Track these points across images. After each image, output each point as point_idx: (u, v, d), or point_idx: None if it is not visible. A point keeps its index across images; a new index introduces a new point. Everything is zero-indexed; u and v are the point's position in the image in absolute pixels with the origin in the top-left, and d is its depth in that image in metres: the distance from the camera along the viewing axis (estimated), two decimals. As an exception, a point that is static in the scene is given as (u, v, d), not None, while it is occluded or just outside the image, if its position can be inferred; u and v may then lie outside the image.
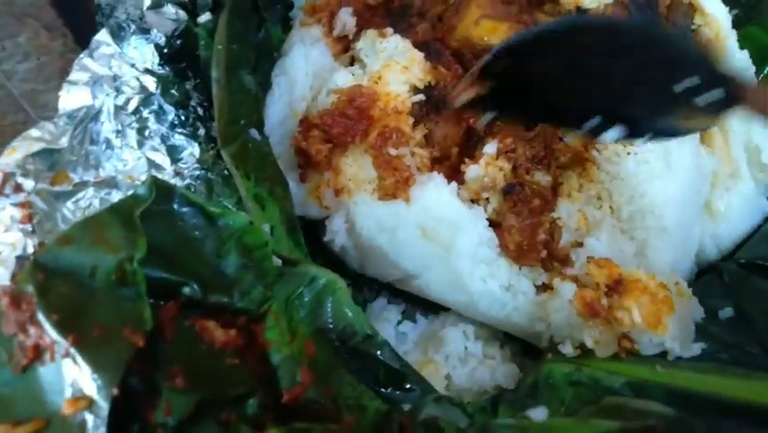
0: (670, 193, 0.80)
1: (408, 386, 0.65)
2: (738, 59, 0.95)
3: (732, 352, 0.66)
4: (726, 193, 0.89)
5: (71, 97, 0.58)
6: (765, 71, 1.02)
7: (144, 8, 0.76)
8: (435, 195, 0.78)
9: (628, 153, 0.82)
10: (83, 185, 0.57)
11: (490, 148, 0.80)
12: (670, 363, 0.65)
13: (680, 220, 0.81)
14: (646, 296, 0.65)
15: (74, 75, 0.59)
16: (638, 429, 0.41)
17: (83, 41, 1.55)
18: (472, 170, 0.79)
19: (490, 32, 0.92)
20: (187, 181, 0.63)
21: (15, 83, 1.66)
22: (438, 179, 0.79)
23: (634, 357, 0.66)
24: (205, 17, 0.77)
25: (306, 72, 0.90)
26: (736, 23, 1.03)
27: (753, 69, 0.96)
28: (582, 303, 0.66)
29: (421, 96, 0.85)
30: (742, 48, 0.99)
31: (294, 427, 0.49)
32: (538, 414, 0.50)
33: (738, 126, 0.91)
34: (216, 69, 0.69)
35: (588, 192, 0.82)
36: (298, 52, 0.92)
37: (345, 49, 0.95)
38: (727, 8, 1.02)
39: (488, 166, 0.78)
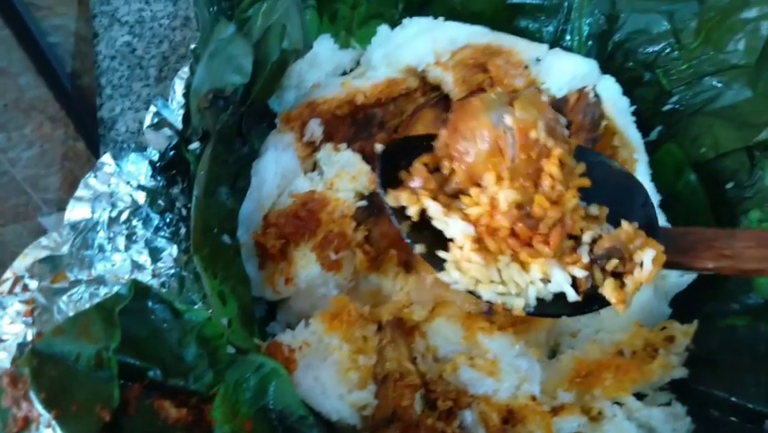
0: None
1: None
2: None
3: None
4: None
5: (75, 211, 0.73)
6: (679, 186, 1.16)
7: (145, 126, 0.92)
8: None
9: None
10: (77, 282, 0.71)
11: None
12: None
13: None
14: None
15: (79, 192, 0.74)
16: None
17: (83, 131, 1.70)
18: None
19: (431, 149, 1.09)
20: (163, 279, 0.77)
21: (19, 169, 1.81)
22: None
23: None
24: (194, 145, 0.89)
25: (275, 173, 1.04)
26: (659, 140, 1.18)
27: (657, 197, 1.09)
28: None
29: (364, 202, 1.01)
30: (663, 162, 1.12)
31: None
32: None
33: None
34: (197, 189, 0.83)
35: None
36: (271, 156, 1.06)
37: (312, 153, 1.11)
38: (653, 125, 1.17)
39: None
